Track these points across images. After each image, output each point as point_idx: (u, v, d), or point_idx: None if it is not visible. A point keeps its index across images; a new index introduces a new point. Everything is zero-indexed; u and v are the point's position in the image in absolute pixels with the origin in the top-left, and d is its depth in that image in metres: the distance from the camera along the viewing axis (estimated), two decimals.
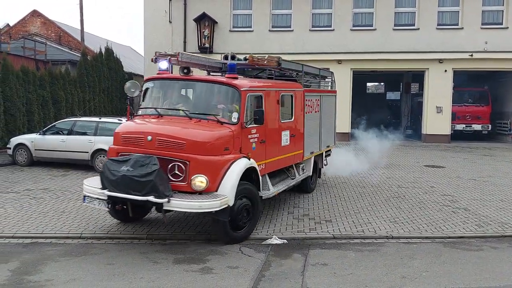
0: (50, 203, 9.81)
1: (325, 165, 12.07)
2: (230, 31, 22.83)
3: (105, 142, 12.63)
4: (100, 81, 22.36)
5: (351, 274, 6.31)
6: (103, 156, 13.00)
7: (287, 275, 6.24)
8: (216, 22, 22.59)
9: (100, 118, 14.22)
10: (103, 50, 23.45)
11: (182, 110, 7.77)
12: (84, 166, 13.81)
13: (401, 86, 30.43)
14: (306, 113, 10.01)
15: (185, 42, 22.89)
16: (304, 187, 10.77)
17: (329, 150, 12.23)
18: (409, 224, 8.62)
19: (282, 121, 8.92)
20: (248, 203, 7.53)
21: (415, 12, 22.12)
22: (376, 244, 7.60)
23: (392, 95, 32.78)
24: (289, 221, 8.69)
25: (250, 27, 22.85)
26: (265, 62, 8.85)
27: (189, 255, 6.91)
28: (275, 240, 7.57)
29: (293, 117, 9.43)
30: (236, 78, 8.03)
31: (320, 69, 11.65)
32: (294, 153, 9.51)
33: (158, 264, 6.51)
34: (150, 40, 26.55)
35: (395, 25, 22.13)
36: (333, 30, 22.36)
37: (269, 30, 22.64)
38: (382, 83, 34.37)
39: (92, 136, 13.68)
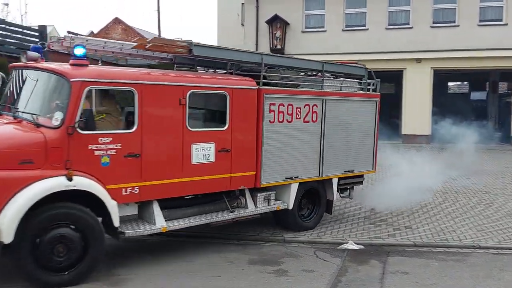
0: None
1: (349, 198, 9.10)
2: (303, 32, 22.66)
3: None
4: None
5: (435, 285, 5.94)
6: None
7: (364, 282, 5.99)
8: (288, 24, 22.51)
9: None
10: None
11: (13, 107, 6.04)
12: None
13: (487, 86, 28.55)
14: (270, 122, 7.25)
15: (257, 44, 23.07)
16: (284, 223, 8.04)
17: (357, 176, 8.89)
18: (498, 233, 8.01)
19: (193, 129, 6.47)
20: (73, 236, 5.38)
21: (502, 6, 20.65)
22: (462, 254, 7.12)
23: (477, 95, 30.76)
24: (366, 226, 8.39)
25: (323, 27, 22.52)
26: (166, 48, 6.55)
27: (264, 256, 6.86)
28: (351, 245, 7.34)
29: (228, 125, 6.84)
30: (83, 65, 5.70)
31: (324, 62, 8.23)
32: (230, 175, 6.92)
33: (233, 263, 6.52)
34: (223, 42, 27.08)
35: (480, 20, 20.78)
36: (412, 27, 21.44)
37: (343, 30, 22.19)
38: (465, 83, 32.42)
39: None
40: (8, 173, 5.11)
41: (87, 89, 5.56)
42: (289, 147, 7.55)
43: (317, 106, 7.86)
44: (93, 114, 5.68)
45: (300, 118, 7.66)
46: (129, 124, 5.97)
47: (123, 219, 6.00)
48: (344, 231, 8.08)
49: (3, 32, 15.01)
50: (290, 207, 7.69)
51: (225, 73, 7.71)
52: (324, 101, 7.96)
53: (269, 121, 7.25)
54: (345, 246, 7.33)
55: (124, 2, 69.33)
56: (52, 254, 5.26)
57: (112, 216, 5.71)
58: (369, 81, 8.86)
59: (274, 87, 7.44)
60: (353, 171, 8.60)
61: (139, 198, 6.13)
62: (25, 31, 16.58)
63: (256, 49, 22.54)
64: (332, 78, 8.64)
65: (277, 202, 7.65)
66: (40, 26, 17.85)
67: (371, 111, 8.80)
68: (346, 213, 9.19)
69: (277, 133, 7.38)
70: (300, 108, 7.64)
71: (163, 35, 27.55)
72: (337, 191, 8.55)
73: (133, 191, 5.99)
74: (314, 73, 8.61)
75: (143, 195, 6.10)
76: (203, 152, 6.63)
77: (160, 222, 6.23)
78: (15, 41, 15.19)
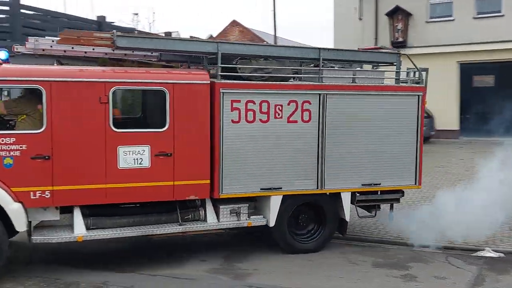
0: None
1: (371, 216, 7.30)
2: (427, 22, 21.29)
3: None
4: None
5: None
6: None
7: None
8: (411, 14, 21.34)
9: None
10: None
11: None
12: None
13: None
14: (234, 121, 6.16)
15: (376, 37, 22.20)
16: (272, 241, 6.78)
17: (390, 192, 7.07)
18: None
19: (119, 130, 5.82)
20: None
21: None
22: None
23: None
24: (505, 233, 7.57)
25: (450, 15, 20.94)
26: (82, 41, 6.03)
27: (389, 259, 6.54)
28: (489, 253, 6.68)
29: (168, 125, 5.96)
30: None
31: (322, 49, 6.75)
32: (172, 183, 6.04)
33: (357, 265, 6.31)
34: (340, 38, 26.58)
35: None
36: None
37: (473, 18, 20.39)
38: None
39: None
40: None
41: None
42: (265, 151, 6.32)
43: (310, 103, 6.46)
44: None
45: (281, 118, 6.36)
46: (41, 124, 5.55)
47: (45, 224, 5.86)
48: (479, 236, 7.36)
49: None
50: (271, 224, 6.43)
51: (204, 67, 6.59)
52: (322, 97, 6.50)
53: (231, 120, 6.15)
54: (481, 253, 6.69)
55: (242, 4, 71.96)
56: None
57: (12, 220, 5.42)
58: (406, 70, 7.21)
59: (236, 81, 6.29)
60: (378, 184, 6.86)
61: (52, 203, 5.69)
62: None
63: (375, 43, 21.74)
64: (343, 68, 7.29)
65: (255, 217, 6.49)
66: (165, 33, 19.73)
67: (409, 109, 6.89)
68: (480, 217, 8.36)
69: (245, 135, 6.24)
70: (281, 105, 6.34)
71: (280, 34, 27.79)
72: (358, 208, 7.03)
73: (44, 195, 5.58)
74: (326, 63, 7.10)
75: (57, 200, 5.65)
76: (134, 156, 5.86)
77: (79, 230, 5.74)
78: None
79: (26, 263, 6.29)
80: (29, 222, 5.74)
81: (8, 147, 5.41)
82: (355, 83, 6.79)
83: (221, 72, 6.17)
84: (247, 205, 6.46)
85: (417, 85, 7.07)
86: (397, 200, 7.17)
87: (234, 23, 34.02)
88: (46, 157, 5.54)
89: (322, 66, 6.69)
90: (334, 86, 6.62)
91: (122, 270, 6.00)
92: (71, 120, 5.66)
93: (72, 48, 6.20)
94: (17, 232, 5.73)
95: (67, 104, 5.62)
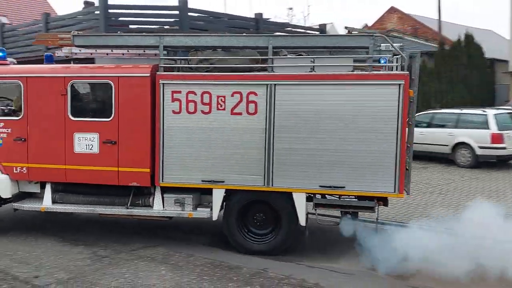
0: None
1: (334, 224, 6.78)
2: None
3: (467, 135, 13.31)
4: (458, 70, 20.93)
5: None
6: (465, 150, 13.52)
7: None
8: None
9: (461, 110, 14.41)
10: (461, 38, 21.87)
11: None
12: (445, 159, 14.13)
13: None
14: (174, 112, 6.46)
15: None
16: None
17: (361, 198, 6.34)
18: None
19: (75, 119, 6.76)
20: None
21: None
22: None
23: None
24: None
25: None
26: (50, 42, 7.41)
27: None
28: None
29: (113, 115, 6.65)
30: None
31: (273, 36, 6.74)
32: (116, 169, 6.72)
33: None
34: None
35: None
36: None
37: None
38: None
39: (453, 129, 13.96)
40: None
41: None
42: (207, 143, 6.39)
43: (256, 94, 6.24)
44: None
45: (224, 109, 6.34)
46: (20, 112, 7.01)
47: (29, 195, 7.38)
48: None
49: (287, 34, 17.51)
50: (214, 217, 6.58)
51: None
52: (270, 87, 6.20)
53: (172, 111, 6.40)
54: None
55: None
56: None
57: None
58: (385, 56, 6.38)
59: (176, 73, 6.62)
60: (341, 188, 6.18)
61: (28, 178, 7.13)
62: (307, 31, 19.59)
63: None
64: (301, 56, 6.67)
65: (201, 209, 6.73)
66: (320, 25, 20.66)
67: (386, 100, 6.01)
68: None
69: (186, 126, 6.42)
70: (224, 96, 6.32)
71: (444, 19, 26.28)
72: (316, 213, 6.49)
73: (22, 170, 7.04)
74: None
75: (31, 175, 7.09)
76: (86, 142, 6.77)
77: (45, 202, 7.02)
78: None
79: (202, 244, 7.22)
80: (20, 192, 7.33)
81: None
82: (314, 72, 6.27)
83: (164, 64, 6.63)
84: (191, 196, 6.65)
85: (397, 72, 6.21)
86: (373, 208, 6.27)
87: (392, 10, 32.08)
88: (23, 140, 7.01)
89: (276, 55, 6.48)
90: (283, 76, 6.27)
91: (281, 259, 6.39)
92: (40, 109, 6.95)
93: (95, 51, 7.37)
94: (5, 199, 7.22)
95: (38, 96, 6.94)
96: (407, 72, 6.04)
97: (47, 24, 17.57)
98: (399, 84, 5.96)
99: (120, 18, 15.94)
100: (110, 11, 15.26)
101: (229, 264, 6.37)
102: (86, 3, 20.03)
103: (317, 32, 18.81)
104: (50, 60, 7.49)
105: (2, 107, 7.40)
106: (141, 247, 7.03)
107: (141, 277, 5.92)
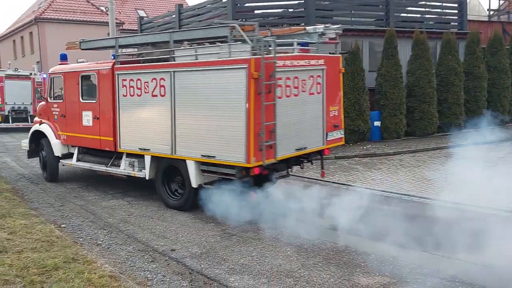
0: None
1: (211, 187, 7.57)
2: None
3: None
4: None
5: None
6: None
7: None
8: None
9: None
10: None
11: None
12: None
13: None
14: (124, 95, 8.61)
15: None
16: None
17: (226, 167, 7.20)
18: None
19: (83, 101, 9.65)
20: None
21: None
22: None
23: None
24: None
25: None
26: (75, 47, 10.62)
27: None
28: None
29: (97, 98, 9.26)
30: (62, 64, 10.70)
31: (174, 31, 8.57)
32: (99, 137, 9.30)
33: None
34: None
35: None
36: None
37: None
38: None
39: None
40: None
41: (51, 76, 10.64)
42: (141, 120, 8.36)
43: (164, 80, 7.84)
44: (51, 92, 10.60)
45: (148, 92, 8.16)
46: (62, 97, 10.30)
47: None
48: None
49: (423, 9, 17.42)
50: (147, 177, 8.53)
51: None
52: (172, 74, 7.73)
53: (123, 95, 8.60)
54: None
55: None
56: None
57: (52, 148, 10.39)
58: (234, 43, 7.16)
59: (123, 65, 8.68)
60: (213, 157, 7.31)
61: (66, 142, 10.25)
62: (444, 4, 19.00)
63: None
64: (191, 47, 8.09)
65: (144, 171, 8.57)
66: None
67: (235, 82, 6.91)
68: None
69: (130, 106, 8.50)
70: (148, 82, 8.13)
71: None
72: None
73: (64, 137, 10.24)
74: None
75: (67, 141, 10.21)
76: (86, 118, 9.44)
77: (73, 160, 10.09)
78: (434, 16, 17.67)
79: (326, 228, 7.11)
80: (69, 153, 10.37)
81: (55, 109, 10.43)
82: (197, 60, 7.57)
83: (121, 59, 8.96)
84: (137, 160, 8.67)
85: (243, 57, 6.92)
86: (233, 176, 7.23)
87: None
88: (63, 116, 10.19)
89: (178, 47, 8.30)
90: (177, 64, 7.78)
91: (411, 248, 6.15)
92: (70, 94, 9.99)
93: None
94: (58, 157, 10.45)
95: (69, 85, 10.00)
96: (255, 57, 6.79)
97: (180, 14, 18.71)
98: (244, 68, 6.78)
99: (246, 4, 16.33)
100: None
101: (355, 250, 6.26)
102: None
103: (455, 5, 17.37)
104: (65, 58, 10.73)
105: (57, 94, 10.44)
106: (266, 228, 7.18)
107: (268, 256, 6.05)
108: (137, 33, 22.33)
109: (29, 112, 23.09)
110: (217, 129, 7.22)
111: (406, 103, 15.79)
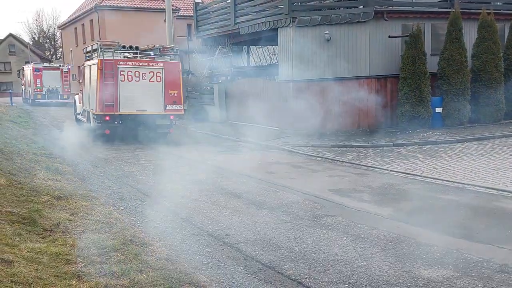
0: None
1: None
2: None
3: None
4: None
5: None
6: None
7: None
8: None
9: None
10: None
11: None
12: None
13: None
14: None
15: None
16: None
17: None
18: None
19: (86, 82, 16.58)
20: None
21: None
22: None
23: None
24: None
25: None
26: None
27: None
28: None
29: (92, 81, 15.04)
30: None
31: None
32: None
33: None
34: None
35: None
36: None
37: None
38: None
39: None
40: None
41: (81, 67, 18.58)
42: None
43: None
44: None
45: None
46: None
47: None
48: None
49: None
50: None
51: None
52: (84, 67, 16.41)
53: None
54: None
55: None
56: None
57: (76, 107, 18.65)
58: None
59: (103, 59, 14.32)
60: (92, 109, 14.97)
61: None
62: None
63: None
64: None
65: None
66: None
67: (95, 71, 14.51)
68: None
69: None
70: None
71: None
72: None
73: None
74: None
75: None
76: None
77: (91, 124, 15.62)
78: None
79: (383, 217, 7.01)
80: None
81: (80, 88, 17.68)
82: None
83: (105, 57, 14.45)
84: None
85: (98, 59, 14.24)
86: (96, 119, 14.45)
87: None
88: (81, 91, 17.18)
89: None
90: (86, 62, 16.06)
91: (478, 241, 5.94)
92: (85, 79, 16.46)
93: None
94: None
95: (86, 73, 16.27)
96: (100, 59, 14.08)
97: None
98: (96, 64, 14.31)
99: None
100: None
101: (416, 241, 5.96)
102: None
103: None
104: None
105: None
106: (321, 216, 7.04)
107: (323, 245, 5.90)
108: (193, 19, 22.54)
109: (59, 92, 33.08)
110: (90, 95, 14.95)
111: (470, 88, 14.96)
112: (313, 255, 5.58)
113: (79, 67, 20.87)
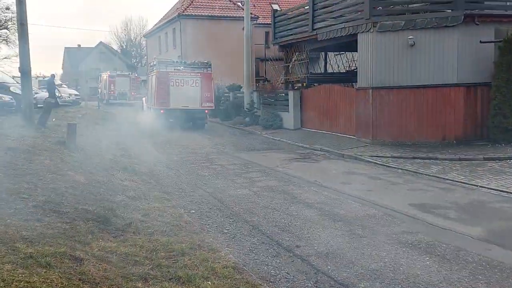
0: None
1: None
2: None
3: None
4: None
5: None
6: None
7: None
8: None
9: None
10: None
11: None
12: None
13: None
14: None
15: None
16: None
17: None
18: None
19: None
20: None
21: None
22: None
23: None
24: None
25: None
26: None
27: None
28: None
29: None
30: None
31: None
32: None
33: None
34: None
35: None
36: None
37: None
38: None
39: None
40: None
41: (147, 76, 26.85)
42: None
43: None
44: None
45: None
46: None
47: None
48: None
49: None
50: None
51: None
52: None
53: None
54: None
55: None
56: None
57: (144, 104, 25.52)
58: None
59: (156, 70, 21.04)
60: (153, 105, 21.10)
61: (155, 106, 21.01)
62: None
63: None
64: None
65: None
66: None
67: (154, 78, 20.78)
68: None
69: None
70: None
71: None
72: None
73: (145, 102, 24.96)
74: None
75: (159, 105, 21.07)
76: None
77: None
78: None
79: (472, 237, 6.65)
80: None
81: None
82: None
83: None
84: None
85: (156, 70, 20.69)
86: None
87: None
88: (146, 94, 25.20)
89: None
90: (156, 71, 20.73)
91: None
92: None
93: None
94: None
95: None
96: (157, 70, 20.55)
97: (314, 5, 18.31)
98: (155, 73, 20.80)
99: None
100: None
101: (511, 267, 5.26)
102: None
103: None
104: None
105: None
106: (401, 232, 6.50)
107: (403, 264, 5.39)
108: (270, 27, 22.56)
109: (127, 94, 40.01)
110: (151, 96, 21.20)
111: None
112: (391, 275, 5.10)
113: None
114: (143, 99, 25.47)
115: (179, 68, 20.41)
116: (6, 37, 62.65)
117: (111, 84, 39.62)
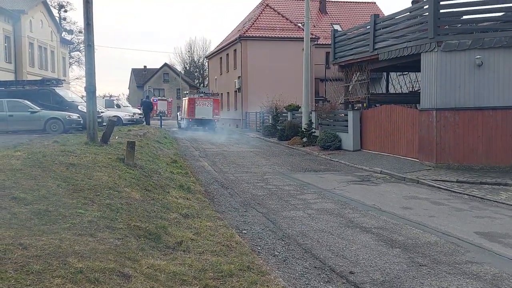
0: None
1: None
2: None
3: None
4: None
5: None
6: None
7: None
8: None
9: None
10: None
11: None
12: None
13: None
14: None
15: None
16: None
17: None
18: None
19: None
20: None
21: None
22: None
23: None
24: None
25: None
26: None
27: None
28: None
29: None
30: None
31: None
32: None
33: None
34: None
35: None
36: None
37: None
38: None
39: None
40: None
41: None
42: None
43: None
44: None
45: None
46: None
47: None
48: None
49: None
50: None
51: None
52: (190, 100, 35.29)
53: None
54: None
55: None
56: None
57: (178, 119, 42.17)
58: None
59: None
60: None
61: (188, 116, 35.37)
62: None
63: None
64: None
65: None
66: None
67: (187, 102, 36.00)
68: None
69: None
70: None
71: None
72: None
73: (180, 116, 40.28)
74: None
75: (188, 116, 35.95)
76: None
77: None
78: None
79: None
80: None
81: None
82: None
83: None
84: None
85: (187, 96, 36.79)
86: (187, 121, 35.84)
87: None
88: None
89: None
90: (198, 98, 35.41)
91: None
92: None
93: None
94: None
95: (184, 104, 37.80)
96: (189, 96, 36.59)
97: (375, 25, 17.99)
98: (187, 98, 36.52)
99: (450, 10, 14.72)
100: (441, 3, 14.29)
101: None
102: (414, 2, 19.61)
103: None
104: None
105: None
106: (464, 262, 6.02)
107: None
108: (331, 47, 22.39)
109: (165, 113, 58.22)
110: (184, 111, 36.80)
111: None
112: None
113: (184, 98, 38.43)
114: (178, 113, 41.65)
115: (201, 95, 35.06)
116: (78, 58, 66.84)
117: (155, 106, 54.66)
